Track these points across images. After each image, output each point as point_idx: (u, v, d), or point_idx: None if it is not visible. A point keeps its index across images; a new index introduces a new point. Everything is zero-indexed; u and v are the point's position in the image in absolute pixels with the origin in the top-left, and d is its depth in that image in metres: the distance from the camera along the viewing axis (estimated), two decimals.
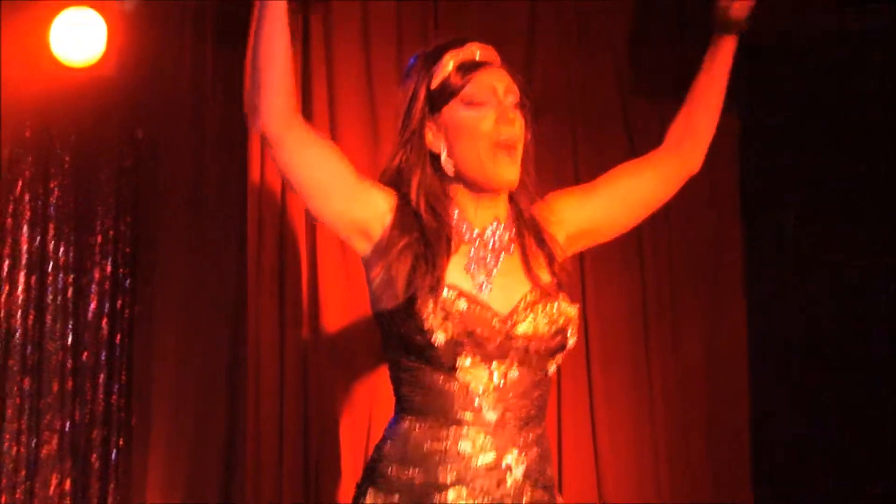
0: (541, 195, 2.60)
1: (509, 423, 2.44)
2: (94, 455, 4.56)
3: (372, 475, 2.53)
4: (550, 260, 2.55)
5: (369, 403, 4.06)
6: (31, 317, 4.50)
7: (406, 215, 2.48)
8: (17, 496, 4.46)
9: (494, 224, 2.52)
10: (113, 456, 4.58)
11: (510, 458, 2.44)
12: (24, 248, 4.51)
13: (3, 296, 4.47)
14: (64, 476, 4.52)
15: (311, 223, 4.09)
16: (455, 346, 2.42)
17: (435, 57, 2.49)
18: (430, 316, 2.39)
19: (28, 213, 4.52)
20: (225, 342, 4.40)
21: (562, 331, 2.50)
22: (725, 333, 4.71)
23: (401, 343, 2.48)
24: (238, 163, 4.25)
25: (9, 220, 4.49)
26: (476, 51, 2.48)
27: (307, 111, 4.12)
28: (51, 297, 4.53)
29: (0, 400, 4.44)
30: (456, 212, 2.52)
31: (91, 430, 4.57)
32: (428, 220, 2.46)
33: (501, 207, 2.55)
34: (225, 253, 4.39)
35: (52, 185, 4.54)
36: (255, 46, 2.38)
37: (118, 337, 4.59)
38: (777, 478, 4.73)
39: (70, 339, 4.54)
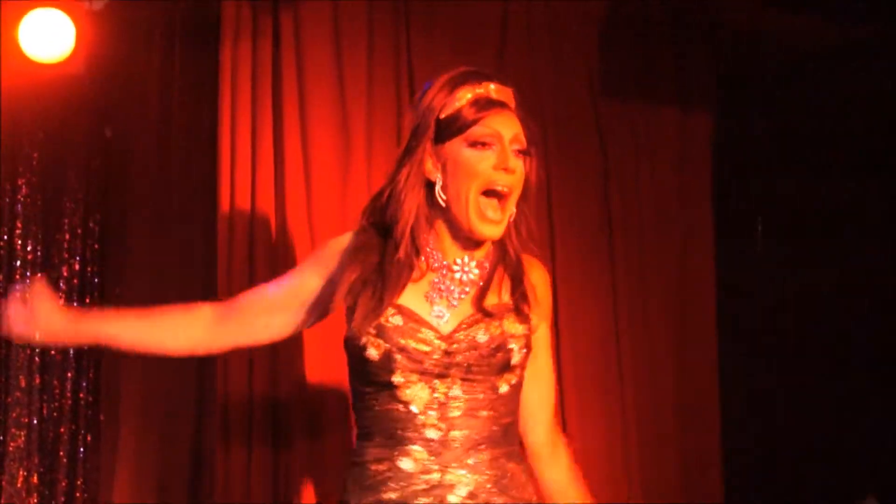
0: (536, 243, 2.58)
1: (454, 442, 2.41)
2: (62, 451, 4.57)
3: None
4: (515, 291, 2.51)
5: (344, 400, 4.06)
6: None
7: (361, 248, 2.51)
8: None
9: (466, 258, 2.48)
10: (81, 452, 4.59)
11: (452, 478, 2.40)
12: None
13: None
14: (31, 471, 4.52)
15: (281, 221, 4.10)
16: (389, 361, 2.41)
17: (451, 87, 2.44)
18: (366, 333, 2.42)
19: None
20: None
21: (501, 347, 2.45)
22: (695, 340, 4.73)
23: (351, 368, 2.53)
24: (206, 162, 4.24)
25: None
26: (493, 90, 2.43)
27: (277, 111, 4.12)
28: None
29: None
30: (431, 240, 2.49)
31: (59, 426, 4.57)
32: (399, 245, 2.45)
33: (481, 248, 2.52)
34: (193, 250, 4.39)
35: (19, 182, 4.53)
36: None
37: None
38: (748, 481, 4.78)
39: None
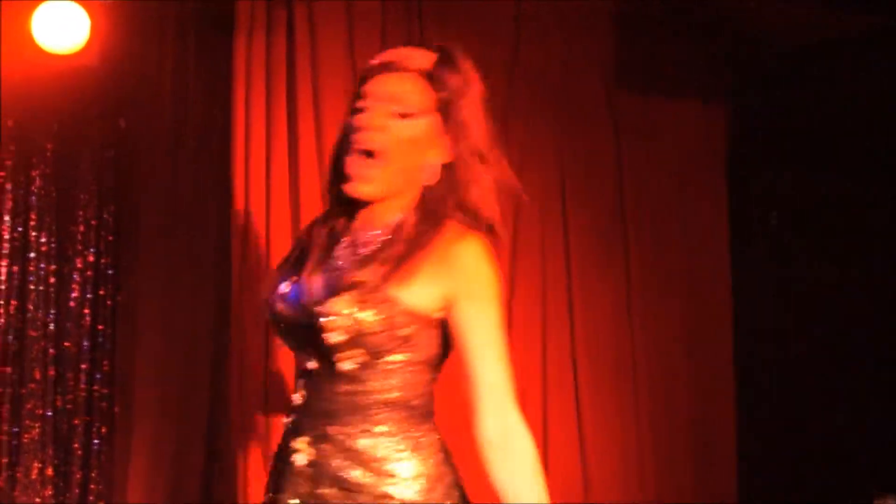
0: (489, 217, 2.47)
1: (308, 409, 2.47)
2: (77, 443, 4.57)
3: None
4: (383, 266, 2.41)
5: None
6: (13, 305, 4.49)
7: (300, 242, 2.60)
8: None
9: (368, 229, 2.48)
10: (95, 444, 4.58)
11: (298, 444, 2.47)
12: (6, 236, 4.49)
13: None
14: (46, 463, 4.52)
15: (295, 212, 4.09)
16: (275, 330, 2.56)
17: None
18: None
19: (10, 202, 4.50)
20: (208, 332, 4.40)
21: (309, 325, 2.42)
22: (709, 331, 4.72)
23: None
24: (220, 154, 4.24)
25: None
26: (378, 58, 2.46)
27: (291, 104, 4.11)
28: (33, 285, 4.52)
29: None
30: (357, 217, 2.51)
31: (73, 418, 4.57)
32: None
33: (384, 217, 2.48)
34: (207, 242, 4.39)
35: (33, 174, 4.53)
36: None
37: (101, 326, 4.59)
38: (762, 477, 4.77)
39: (52, 328, 4.54)
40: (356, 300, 2.37)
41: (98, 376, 4.59)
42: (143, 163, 4.46)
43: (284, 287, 2.51)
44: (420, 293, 2.39)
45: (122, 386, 4.54)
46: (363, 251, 2.45)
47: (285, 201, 4.08)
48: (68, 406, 4.56)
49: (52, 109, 4.47)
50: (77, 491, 4.55)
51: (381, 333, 2.38)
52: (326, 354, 2.41)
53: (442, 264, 2.39)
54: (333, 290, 2.40)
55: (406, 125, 2.42)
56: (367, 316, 2.36)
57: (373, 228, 2.47)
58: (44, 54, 4.21)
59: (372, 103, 2.40)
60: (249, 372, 4.09)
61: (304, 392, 2.49)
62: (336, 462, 2.44)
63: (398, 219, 2.45)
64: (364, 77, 2.44)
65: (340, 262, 2.47)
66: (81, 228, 4.58)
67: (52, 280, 4.54)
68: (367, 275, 2.38)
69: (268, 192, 4.09)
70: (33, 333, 4.52)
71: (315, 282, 2.45)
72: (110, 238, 4.60)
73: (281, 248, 4.07)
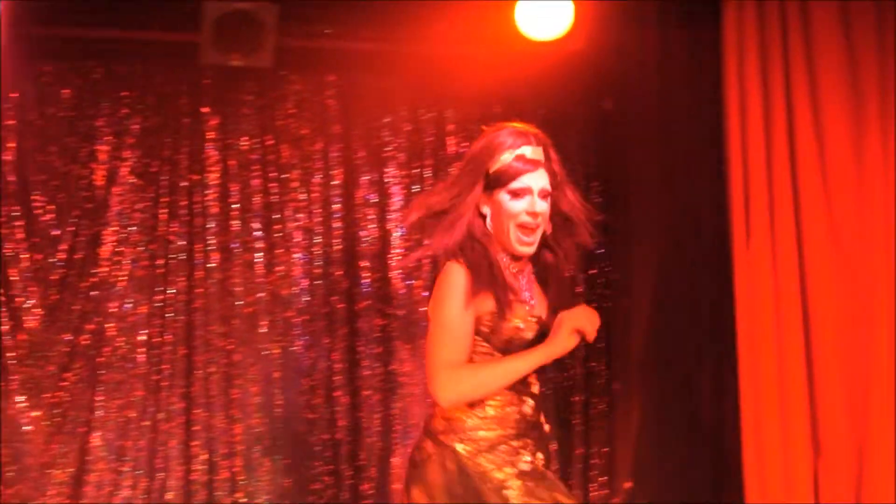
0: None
1: None
2: (576, 419, 4.66)
3: None
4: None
5: None
6: None
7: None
8: None
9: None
10: (594, 420, 4.66)
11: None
12: None
13: None
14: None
15: (797, 214, 3.99)
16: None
17: (497, 147, 2.95)
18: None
19: None
20: (709, 303, 4.34)
21: None
22: None
23: None
24: (709, 144, 4.17)
25: None
26: (528, 151, 2.94)
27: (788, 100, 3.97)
28: None
29: None
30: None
31: (571, 395, 4.66)
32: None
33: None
34: (697, 220, 4.34)
35: None
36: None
37: (595, 304, 4.64)
38: None
39: None
40: None
41: (593, 353, 4.66)
42: (628, 144, 4.46)
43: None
44: None
45: (620, 361, 4.58)
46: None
47: (787, 197, 3.93)
48: (566, 383, 4.66)
49: (537, 95, 4.55)
50: (579, 466, 4.65)
51: None
52: None
53: None
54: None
55: (547, 205, 2.97)
56: None
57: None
58: (528, 42, 4.28)
59: (529, 194, 2.96)
60: (761, 361, 4.00)
61: None
62: None
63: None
64: (518, 168, 2.94)
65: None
66: None
67: None
68: None
69: (769, 187, 3.96)
70: None
71: None
72: (598, 217, 4.64)
73: (785, 235, 3.95)
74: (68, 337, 4.42)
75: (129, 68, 4.47)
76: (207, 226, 4.50)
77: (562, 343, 2.78)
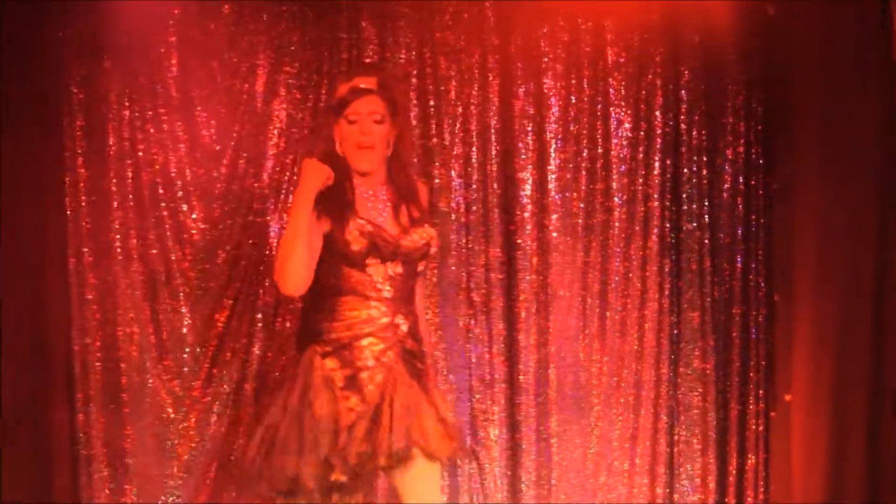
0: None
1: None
2: (734, 332, 4.63)
3: None
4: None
5: None
6: (668, 199, 4.60)
7: None
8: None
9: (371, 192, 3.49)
10: (753, 333, 4.62)
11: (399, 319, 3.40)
12: (658, 131, 4.60)
13: (640, 179, 4.59)
14: (708, 352, 4.61)
15: None
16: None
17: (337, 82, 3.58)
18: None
19: (660, 98, 4.59)
20: (871, 214, 4.25)
21: None
22: None
23: None
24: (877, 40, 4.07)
25: (642, 106, 4.59)
26: (360, 83, 3.44)
27: None
28: (685, 178, 4.61)
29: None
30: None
31: (730, 308, 4.63)
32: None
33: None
34: (866, 124, 4.23)
35: (682, 69, 4.59)
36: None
37: (753, 216, 4.60)
38: None
39: (706, 219, 4.60)
40: None
41: (753, 265, 4.62)
42: (793, 49, 4.38)
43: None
44: None
45: (780, 274, 4.53)
46: None
47: None
48: (725, 296, 4.62)
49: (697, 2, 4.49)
50: (736, 379, 4.63)
51: None
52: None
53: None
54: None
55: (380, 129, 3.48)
56: None
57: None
58: None
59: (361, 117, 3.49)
60: None
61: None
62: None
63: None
64: (350, 98, 3.47)
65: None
66: (731, 120, 4.60)
67: (705, 172, 4.60)
68: None
69: None
70: (688, 226, 4.61)
71: None
72: (759, 128, 4.59)
73: None
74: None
75: None
76: None
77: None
